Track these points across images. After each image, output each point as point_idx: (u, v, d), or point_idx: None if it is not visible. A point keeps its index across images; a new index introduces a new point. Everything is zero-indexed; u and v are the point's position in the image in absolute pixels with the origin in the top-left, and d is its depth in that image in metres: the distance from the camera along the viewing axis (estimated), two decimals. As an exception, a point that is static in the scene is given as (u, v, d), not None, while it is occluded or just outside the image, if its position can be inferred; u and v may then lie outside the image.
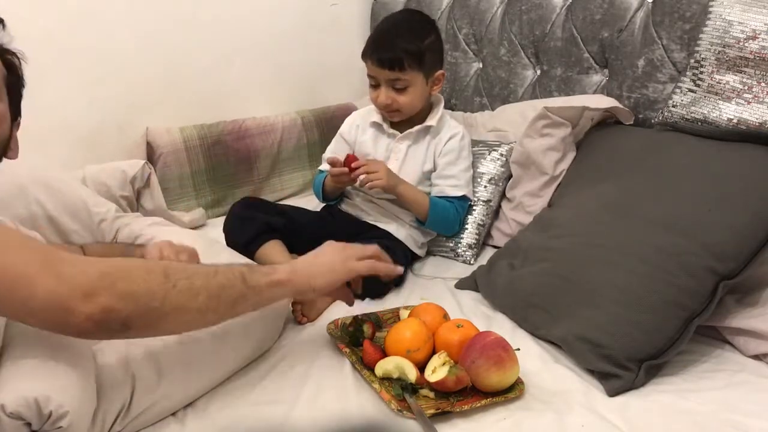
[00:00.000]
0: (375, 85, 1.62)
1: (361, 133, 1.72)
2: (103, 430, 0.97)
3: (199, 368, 1.10)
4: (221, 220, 1.69)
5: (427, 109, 1.69)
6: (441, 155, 1.66)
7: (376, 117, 1.70)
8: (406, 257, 1.61)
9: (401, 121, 1.67)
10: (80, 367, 0.94)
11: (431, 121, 1.65)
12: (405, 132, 1.66)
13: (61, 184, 1.58)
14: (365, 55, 1.61)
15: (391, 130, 1.68)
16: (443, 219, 1.65)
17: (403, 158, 1.66)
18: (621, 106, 1.69)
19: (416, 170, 1.66)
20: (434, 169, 1.67)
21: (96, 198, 1.61)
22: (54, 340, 0.93)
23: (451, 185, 1.65)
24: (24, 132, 1.76)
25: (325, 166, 1.70)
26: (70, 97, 1.83)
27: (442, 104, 1.70)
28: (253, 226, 1.58)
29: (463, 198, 1.66)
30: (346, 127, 1.76)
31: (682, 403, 1.08)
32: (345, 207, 1.74)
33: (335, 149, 1.75)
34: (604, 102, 1.70)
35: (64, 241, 1.52)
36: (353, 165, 1.57)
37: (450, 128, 1.69)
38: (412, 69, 1.57)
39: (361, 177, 1.55)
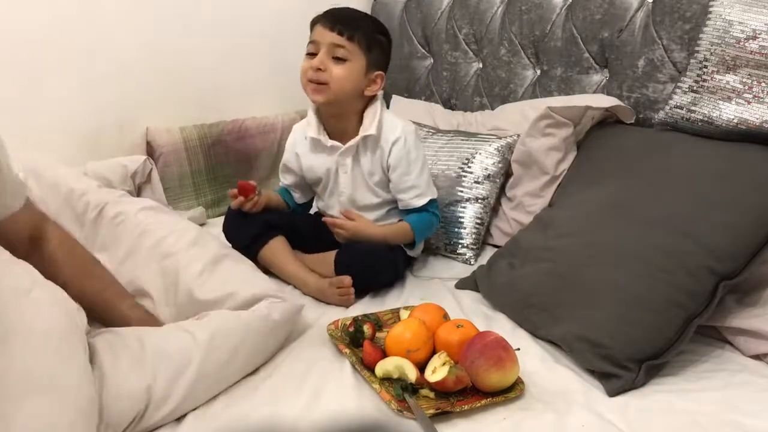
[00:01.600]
0: (312, 54, 1.50)
1: (304, 159, 1.64)
2: None
3: (212, 380, 1.10)
4: (221, 219, 1.69)
5: (359, 116, 1.57)
6: (390, 170, 1.56)
7: (311, 131, 1.58)
8: (404, 259, 1.61)
9: (335, 131, 1.58)
10: (76, 401, 0.90)
11: (370, 129, 1.53)
12: (347, 146, 1.56)
13: (45, 167, 1.63)
14: (315, 21, 1.52)
15: (331, 142, 1.58)
16: (427, 230, 1.62)
17: (350, 172, 1.59)
18: (623, 104, 1.69)
19: (366, 183, 1.59)
20: (387, 180, 1.58)
21: (78, 177, 1.64)
22: (39, 373, 0.88)
23: (413, 196, 1.57)
24: (24, 131, 1.77)
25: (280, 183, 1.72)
26: (70, 97, 1.83)
27: (379, 104, 1.57)
28: (254, 224, 1.57)
29: (430, 201, 1.60)
30: (288, 156, 1.67)
31: (682, 403, 1.08)
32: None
33: (284, 180, 1.71)
34: (606, 101, 1.70)
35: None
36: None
37: (390, 133, 1.55)
38: (358, 45, 1.49)
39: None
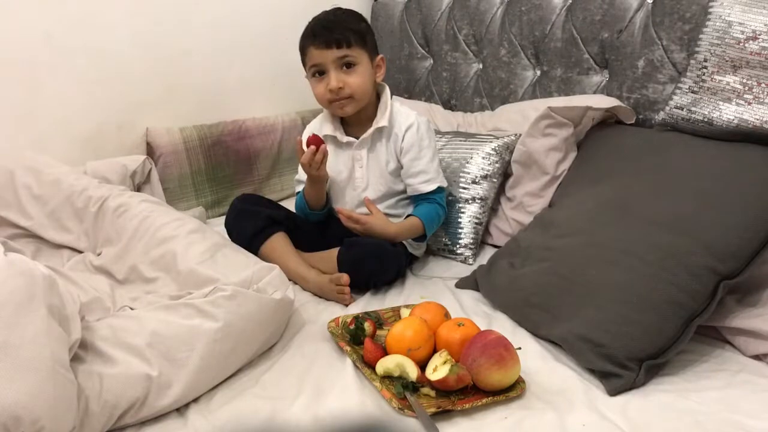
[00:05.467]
0: (320, 74, 1.55)
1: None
2: (111, 418, 0.99)
3: (214, 367, 1.11)
4: (221, 219, 1.69)
5: (374, 104, 1.63)
6: (403, 154, 1.60)
7: (328, 128, 1.63)
8: (406, 256, 1.61)
9: (353, 124, 1.62)
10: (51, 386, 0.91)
11: (382, 121, 1.59)
12: (360, 138, 1.61)
13: (45, 165, 1.65)
14: (306, 45, 1.55)
15: (347, 138, 1.63)
16: (435, 222, 1.63)
17: (366, 164, 1.63)
18: (623, 105, 1.69)
19: (382, 172, 1.63)
20: (400, 167, 1.62)
21: (78, 175, 1.66)
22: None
23: (422, 181, 1.61)
24: (25, 131, 1.77)
25: (300, 187, 1.67)
26: (70, 97, 1.84)
27: (389, 95, 1.63)
28: (257, 219, 1.58)
29: (439, 189, 1.63)
30: None
31: (682, 402, 1.08)
32: None
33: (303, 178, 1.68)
34: (606, 102, 1.70)
35: (49, 214, 1.57)
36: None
37: (404, 120, 1.61)
38: (358, 46, 1.53)
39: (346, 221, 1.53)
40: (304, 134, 1.70)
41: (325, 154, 1.53)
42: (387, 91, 1.64)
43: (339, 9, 1.59)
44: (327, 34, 1.51)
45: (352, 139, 1.63)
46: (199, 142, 2.01)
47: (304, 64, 1.59)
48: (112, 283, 1.42)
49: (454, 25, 2.12)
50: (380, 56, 1.61)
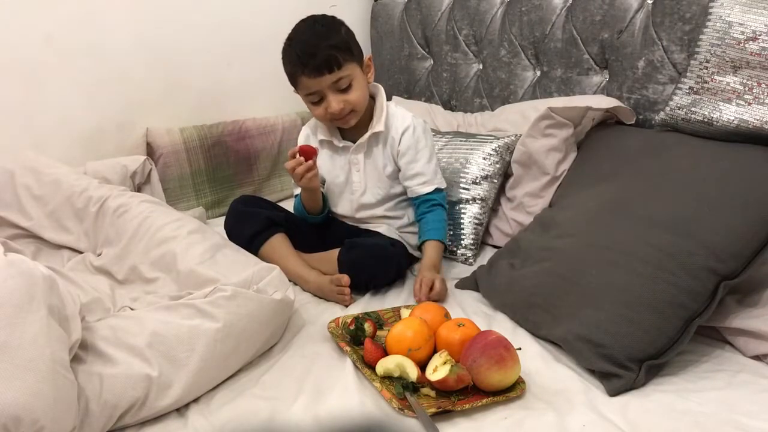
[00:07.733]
0: (318, 101, 1.51)
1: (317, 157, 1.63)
2: (111, 419, 0.99)
3: (214, 367, 1.11)
4: (221, 220, 1.69)
5: (370, 107, 1.60)
6: (399, 156, 1.59)
7: (323, 134, 1.63)
8: (406, 257, 1.61)
9: (349, 128, 1.60)
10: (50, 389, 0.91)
11: (378, 126, 1.58)
12: (357, 143, 1.60)
13: (45, 166, 1.65)
14: (296, 75, 1.50)
15: (343, 143, 1.62)
16: (444, 226, 1.63)
17: (363, 169, 1.63)
18: (623, 105, 1.69)
19: (379, 176, 1.63)
20: (398, 169, 1.62)
21: (78, 175, 1.67)
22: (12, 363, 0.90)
23: (419, 183, 1.60)
24: (25, 131, 1.77)
25: (298, 190, 1.66)
26: (70, 98, 1.84)
27: (384, 98, 1.61)
28: (256, 220, 1.58)
29: (437, 190, 1.62)
30: None
31: (682, 403, 1.08)
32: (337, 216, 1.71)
33: None
34: (606, 102, 1.70)
35: (49, 215, 1.57)
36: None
37: (400, 123, 1.60)
38: (347, 62, 1.48)
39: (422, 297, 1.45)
40: (300, 136, 1.71)
41: (309, 169, 1.51)
42: (382, 92, 1.62)
43: (314, 23, 1.53)
44: (315, 60, 1.46)
45: (348, 143, 1.62)
46: (199, 143, 2.01)
47: (294, 87, 1.55)
48: (112, 283, 1.42)
49: (455, 25, 2.12)
50: (368, 56, 1.58)
